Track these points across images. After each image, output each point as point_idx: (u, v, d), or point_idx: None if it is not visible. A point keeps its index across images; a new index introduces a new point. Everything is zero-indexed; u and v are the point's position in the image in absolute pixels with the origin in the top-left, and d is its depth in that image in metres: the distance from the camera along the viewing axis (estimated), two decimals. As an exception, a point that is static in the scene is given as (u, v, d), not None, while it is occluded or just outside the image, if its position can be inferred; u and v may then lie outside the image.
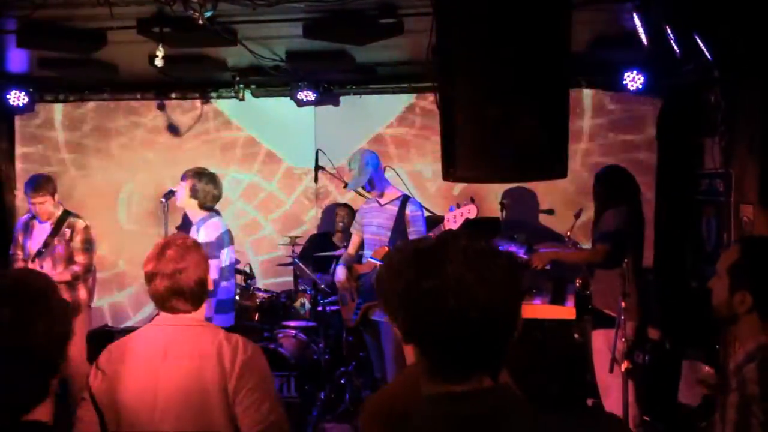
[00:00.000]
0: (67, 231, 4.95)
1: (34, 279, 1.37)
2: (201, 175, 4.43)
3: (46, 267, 4.75)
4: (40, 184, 4.91)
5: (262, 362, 2.22)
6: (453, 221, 4.07)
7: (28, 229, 5.00)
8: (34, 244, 4.94)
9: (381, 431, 1.70)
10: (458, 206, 4.09)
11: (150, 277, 2.20)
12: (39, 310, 1.30)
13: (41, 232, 4.96)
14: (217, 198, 4.48)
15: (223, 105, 6.46)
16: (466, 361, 1.20)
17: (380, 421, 1.70)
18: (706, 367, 4.35)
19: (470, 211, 4.05)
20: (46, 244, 4.87)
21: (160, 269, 2.18)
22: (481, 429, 1.16)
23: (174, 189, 4.47)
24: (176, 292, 2.18)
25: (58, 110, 6.57)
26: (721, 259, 2.09)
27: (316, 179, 5.57)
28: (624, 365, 3.77)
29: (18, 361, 1.26)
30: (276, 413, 2.16)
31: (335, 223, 6.08)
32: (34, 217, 4.99)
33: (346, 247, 5.04)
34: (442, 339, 1.19)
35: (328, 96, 6.26)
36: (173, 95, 6.39)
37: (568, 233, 4.72)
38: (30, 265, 4.82)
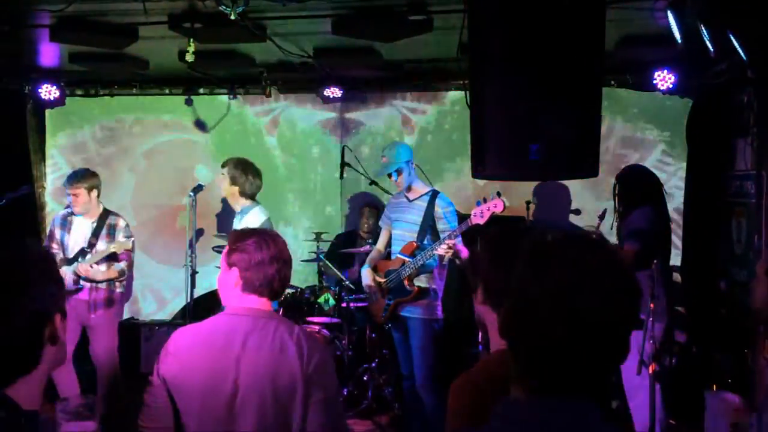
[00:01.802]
0: (109, 229, 4.87)
1: (12, 261, 1.36)
2: (241, 163, 4.53)
3: (95, 266, 4.70)
4: (77, 176, 4.84)
5: (332, 365, 2.23)
6: (480, 216, 4.04)
7: (66, 224, 4.89)
8: (74, 240, 4.86)
9: (467, 408, 1.63)
10: (485, 201, 4.07)
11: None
12: (13, 295, 1.31)
13: (81, 228, 4.86)
14: (258, 187, 4.59)
15: (249, 101, 6.50)
16: (556, 378, 1.12)
17: (468, 396, 1.65)
18: (730, 396, 4.24)
19: (497, 206, 4.02)
20: (91, 244, 4.78)
21: (260, 256, 2.21)
22: None
23: (202, 184, 4.52)
24: (248, 284, 2.20)
25: (88, 104, 6.65)
26: (761, 262, 2.06)
27: (341, 176, 5.59)
28: (651, 367, 3.73)
29: None
30: (339, 419, 2.19)
31: (360, 223, 6.08)
32: (72, 213, 4.89)
33: (371, 244, 5.04)
34: (536, 347, 1.12)
35: (354, 93, 6.27)
36: (201, 91, 6.44)
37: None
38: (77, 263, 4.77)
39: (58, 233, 4.90)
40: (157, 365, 2.19)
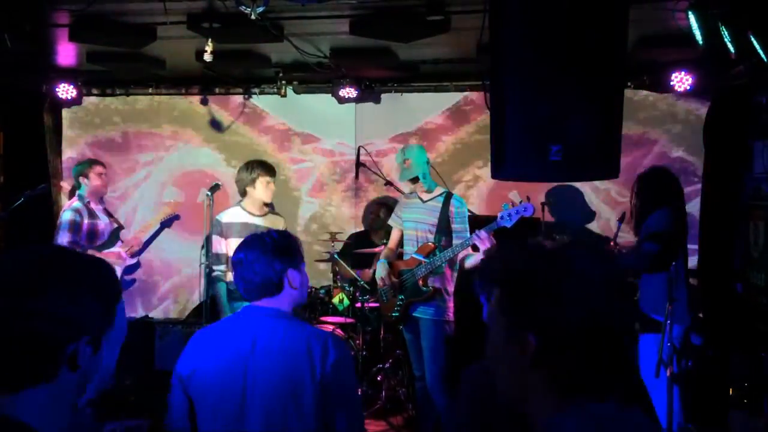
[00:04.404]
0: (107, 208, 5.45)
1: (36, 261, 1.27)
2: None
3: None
4: (97, 162, 5.35)
5: (349, 363, 2.22)
6: (508, 219, 4.00)
7: (91, 212, 5.17)
8: (104, 223, 5.21)
9: None
10: (512, 204, 4.03)
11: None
12: (22, 296, 1.22)
13: (101, 212, 5.25)
14: None
15: (265, 101, 6.51)
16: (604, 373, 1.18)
17: None
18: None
19: (527, 209, 3.97)
20: (118, 222, 5.35)
21: (237, 256, 2.22)
22: None
23: (219, 183, 4.52)
24: (246, 282, 2.21)
25: (104, 103, 6.68)
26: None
27: (356, 176, 5.59)
28: (669, 370, 3.71)
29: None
30: (358, 418, 2.19)
31: (371, 220, 6.07)
32: (88, 202, 5.16)
33: (385, 244, 5.03)
34: (573, 363, 1.17)
35: (369, 93, 6.27)
36: (217, 90, 6.45)
37: (614, 238, 4.63)
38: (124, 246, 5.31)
39: (87, 221, 5.11)
40: (176, 365, 2.22)
